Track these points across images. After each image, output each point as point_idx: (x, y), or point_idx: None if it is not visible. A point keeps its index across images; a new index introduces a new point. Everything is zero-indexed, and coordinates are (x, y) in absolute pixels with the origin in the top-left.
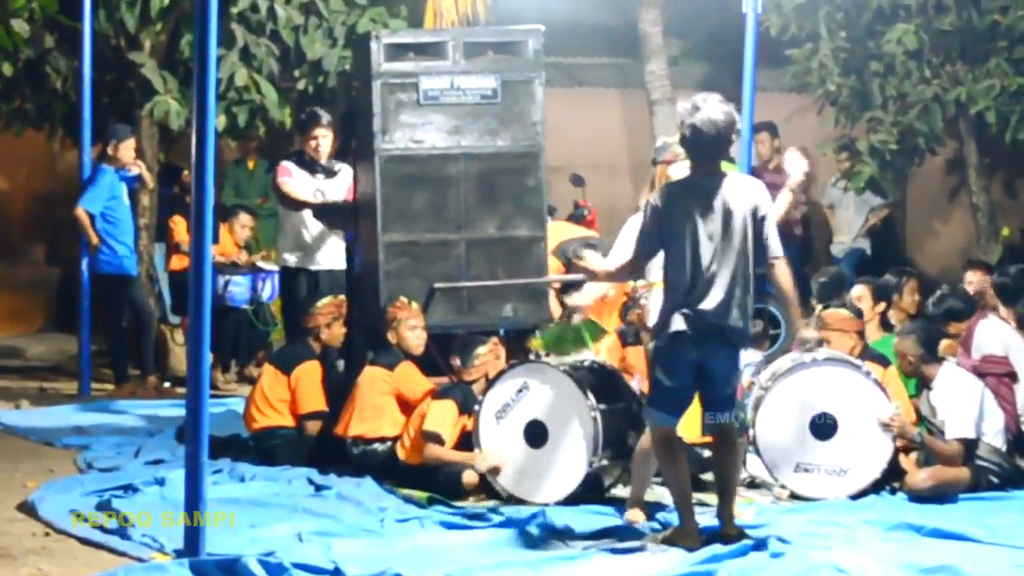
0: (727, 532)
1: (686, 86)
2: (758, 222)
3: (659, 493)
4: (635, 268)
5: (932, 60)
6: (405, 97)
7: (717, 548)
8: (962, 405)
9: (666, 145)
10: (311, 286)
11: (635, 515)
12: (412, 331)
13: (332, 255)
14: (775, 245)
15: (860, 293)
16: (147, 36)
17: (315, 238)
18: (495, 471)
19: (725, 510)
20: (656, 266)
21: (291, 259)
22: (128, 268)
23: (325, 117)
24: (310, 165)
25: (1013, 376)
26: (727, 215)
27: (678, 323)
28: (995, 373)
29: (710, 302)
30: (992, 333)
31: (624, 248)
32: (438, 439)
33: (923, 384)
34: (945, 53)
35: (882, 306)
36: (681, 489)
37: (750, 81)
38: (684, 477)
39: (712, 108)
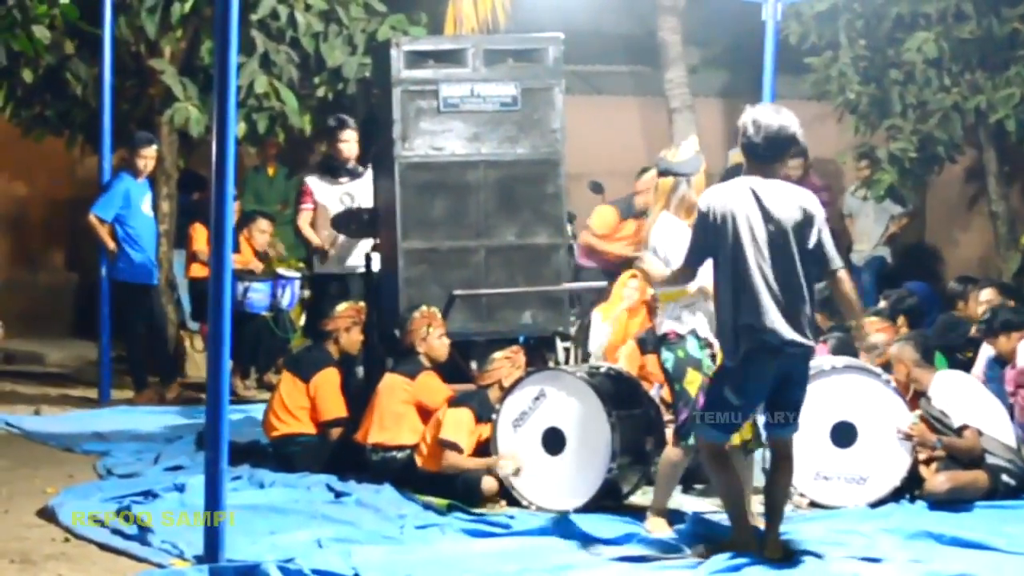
0: (771, 555)
1: (705, 94)
2: (813, 232)
3: (678, 501)
4: (688, 276)
5: (952, 68)
6: (425, 104)
7: (737, 556)
8: (962, 396)
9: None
10: (342, 290)
11: (657, 524)
12: (440, 340)
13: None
14: (834, 255)
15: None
16: (167, 43)
17: (345, 244)
18: (517, 472)
19: (770, 532)
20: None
21: (322, 266)
22: (145, 277)
23: (352, 122)
24: (335, 170)
25: None
26: (781, 224)
27: (748, 342)
28: None
29: (771, 317)
30: None
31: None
32: (456, 447)
33: (919, 393)
34: (965, 61)
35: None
36: (733, 499)
37: (769, 89)
38: (736, 487)
39: (770, 113)
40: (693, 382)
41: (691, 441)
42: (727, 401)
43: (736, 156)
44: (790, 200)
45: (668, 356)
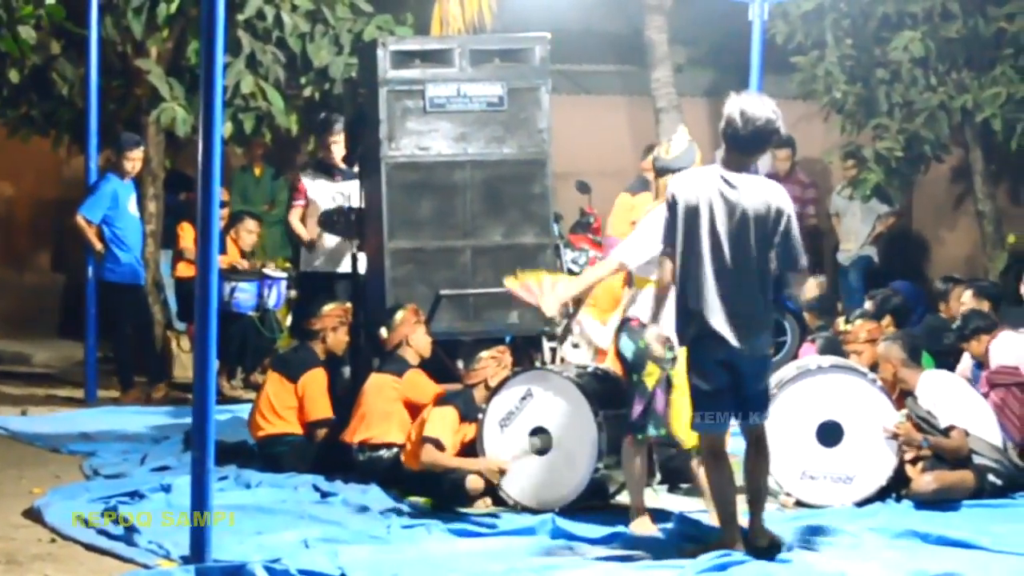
0: (757, 543)
1: (692, 93)
2: (781, 227)
3: (663, 501)
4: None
5: (938, 67)
6: (411, 104)
7: (724, 556)
8: (949, 396)
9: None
10: (328, 290)
11: (640, 524)
12: (424, 335)
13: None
14: (801, 253)
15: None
16: (154, 43)
17: (335, 244)
18: (502, 473)
19: (755, 519)
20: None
21: (313, 264)
22: (131, 277)
23: (337, 124)
24: (329, 169)
25: (1022, 387)
26: (745, 216)
27: (699, 326)
28: (1005, 384)
29: (716, 317)
30: (1006, 345)
31: (647, 246)
32: (438, 444)
33: (905, 392)
34: (951, 60)
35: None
36: (725, 499)
37: (756, 88)
38: (729, 487)
39: (757, 104)
40: (652, 375)
41: (650, 433)
42: (700, 389)
43: None
44: (759, 194)
45: (628, 345)
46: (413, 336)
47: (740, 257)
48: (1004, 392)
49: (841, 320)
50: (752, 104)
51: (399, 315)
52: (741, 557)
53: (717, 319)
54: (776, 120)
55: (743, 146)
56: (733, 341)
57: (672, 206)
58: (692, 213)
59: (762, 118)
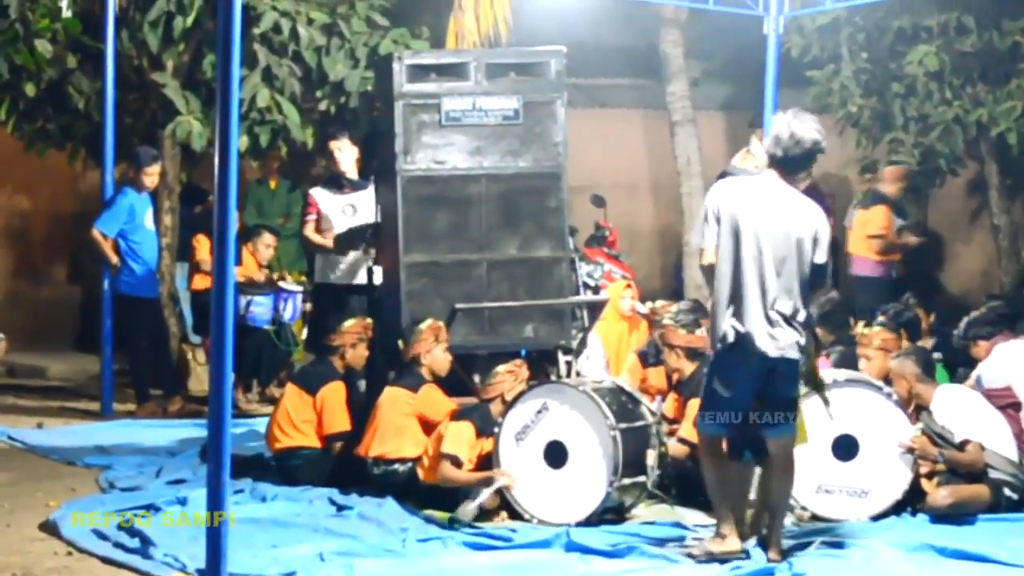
0: (773, 559)
1: (707, 107)
2: (819, 247)
3: (679, 514)
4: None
5: (953, 81)
6: (427, 118)
7: (736, 569)
8: (964, 410)
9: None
10: (343, 303)
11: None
12: (444, 354)
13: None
14: (828, 276)
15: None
16: (170, 57)
17: (351, 255)
18: (507, 487)
19: (773, 533)
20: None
21: (328, 277)
22: (147, 290)
23: (341, 133)
24: (337, 182)
25: (1016, 406)
26: (790, 233)
27: (735, 332)
28: (1000, 406)
29: (755, 329)
30: (995, 365)
31: None
32: (455, 461)
33: (920, 407)
34: (966, 74)
35: None
36: (721, 497)
37: (771, 102)
38: (726, 487)
39: (806, 127)
40: None
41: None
42: (718, 394)
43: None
44: (802, 212)
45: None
46: (428, 355)
47: (783, 274)
48: (1003, 414)
49: (861, 324)
50: (801, 127)
51: (417, 331)
52: (754, 568)
53: (755, 327)
54: (822, 140)
55: (789, 166)
56: (766, 349)
57: (714, 212)
58: (735, 222)
59: (809, 140)
